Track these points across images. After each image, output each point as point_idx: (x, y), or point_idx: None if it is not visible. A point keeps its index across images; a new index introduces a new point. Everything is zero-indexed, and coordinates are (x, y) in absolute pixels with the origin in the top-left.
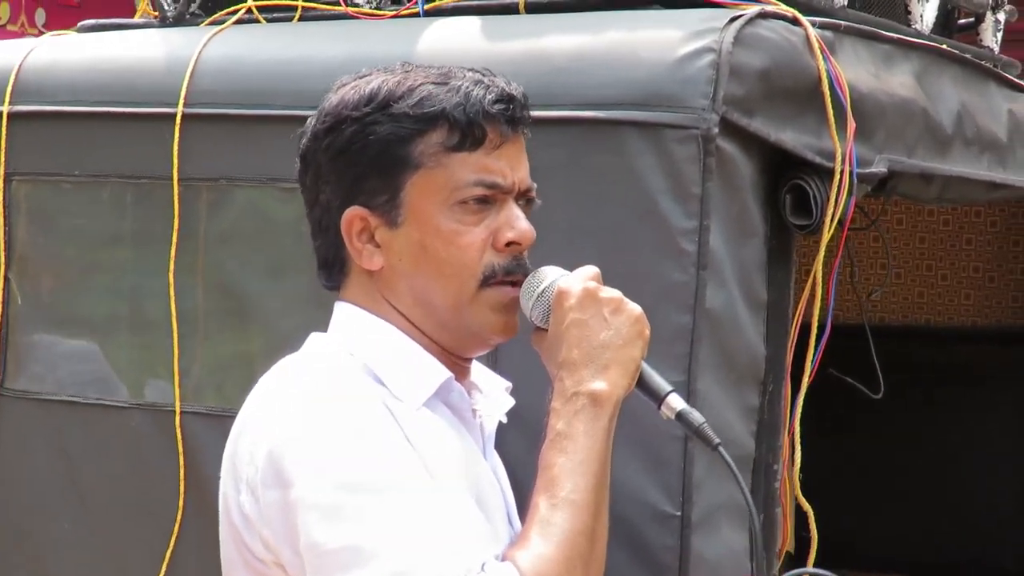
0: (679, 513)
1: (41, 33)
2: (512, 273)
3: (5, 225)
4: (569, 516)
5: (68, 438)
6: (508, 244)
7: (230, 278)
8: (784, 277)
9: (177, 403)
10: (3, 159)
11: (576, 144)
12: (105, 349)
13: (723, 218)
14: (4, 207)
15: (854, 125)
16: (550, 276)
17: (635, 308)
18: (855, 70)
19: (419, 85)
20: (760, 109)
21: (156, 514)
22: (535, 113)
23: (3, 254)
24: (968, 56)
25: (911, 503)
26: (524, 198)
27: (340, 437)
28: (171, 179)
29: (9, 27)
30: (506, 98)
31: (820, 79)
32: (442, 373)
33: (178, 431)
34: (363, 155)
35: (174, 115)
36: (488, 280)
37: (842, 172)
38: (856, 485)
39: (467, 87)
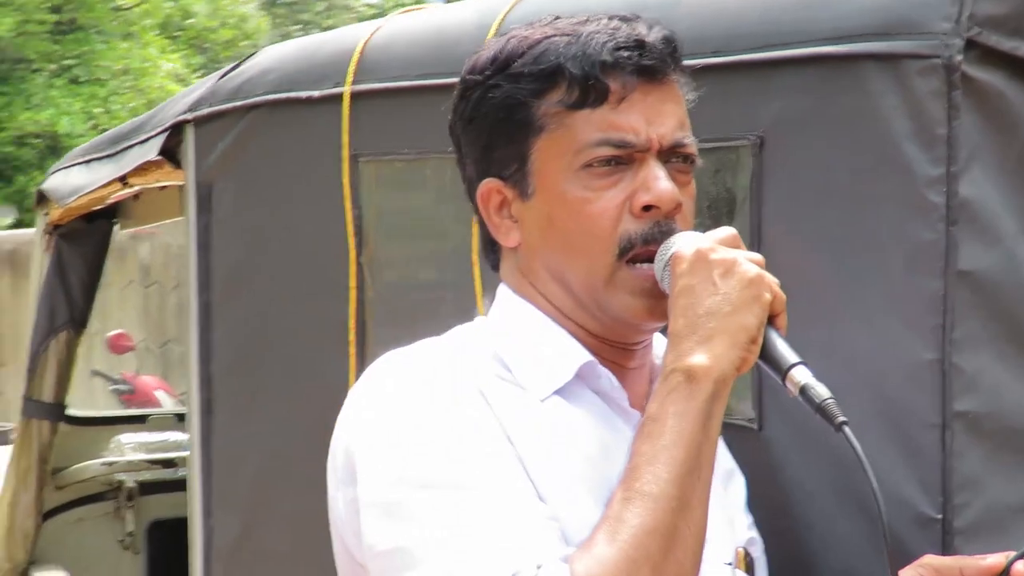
0: (940, 516)
1: None
2: (652, 241)
3: (354, 208)
4: (641, 511)
5: None
6: (645, 208)
7: None
8: None
9: None
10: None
11: (816, 87)
12: None
13: (989, 163)
14: (351, 189)
15: None
16: (677, 242)
17: (750, 269)
18: None
19: (545, 38)
20: None
21: None
22: (772, 55)
23: (352, 239)
24: None
25: None
26: (677, 155)
27: (403, 433)
28: None
29: None
30: (633, 44)
31: None
32: (579, 358)
33: None
34: (486, 121)
35: None
36: (626, 251)
37: None
38: None
39: (590, 34)
